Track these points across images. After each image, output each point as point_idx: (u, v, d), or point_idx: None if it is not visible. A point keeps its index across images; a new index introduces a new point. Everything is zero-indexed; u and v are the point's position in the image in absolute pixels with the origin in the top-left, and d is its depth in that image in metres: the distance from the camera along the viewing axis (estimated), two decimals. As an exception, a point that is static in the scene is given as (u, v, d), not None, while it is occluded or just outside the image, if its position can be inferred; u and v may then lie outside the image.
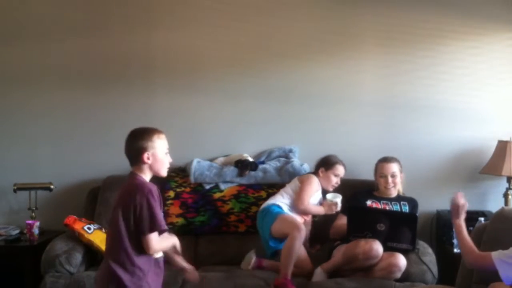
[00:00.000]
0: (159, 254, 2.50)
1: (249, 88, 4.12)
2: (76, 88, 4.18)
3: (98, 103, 4.17)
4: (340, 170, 3.69)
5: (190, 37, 4.12)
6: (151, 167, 2.47)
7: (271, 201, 3.64)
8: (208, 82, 4.13)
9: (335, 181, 3.68)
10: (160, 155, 2.48)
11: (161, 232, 2.42)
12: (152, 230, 2.37)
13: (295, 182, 3.68)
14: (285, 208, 3.57)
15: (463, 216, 2.84)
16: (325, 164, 3.70)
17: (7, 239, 3.83)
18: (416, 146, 4.05)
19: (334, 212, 3.59)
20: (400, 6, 4.03)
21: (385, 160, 3.71)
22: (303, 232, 3.37)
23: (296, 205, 3.58)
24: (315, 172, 3.73)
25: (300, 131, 4.12)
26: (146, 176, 2.49)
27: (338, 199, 3.57)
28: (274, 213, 3.53)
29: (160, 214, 2.39)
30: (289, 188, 3.68)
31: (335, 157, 3.75)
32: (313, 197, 3.63)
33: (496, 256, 2.60)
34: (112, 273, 2.38)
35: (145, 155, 2.44)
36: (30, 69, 4.19)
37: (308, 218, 3.66)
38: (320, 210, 3.61)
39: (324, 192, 3.70)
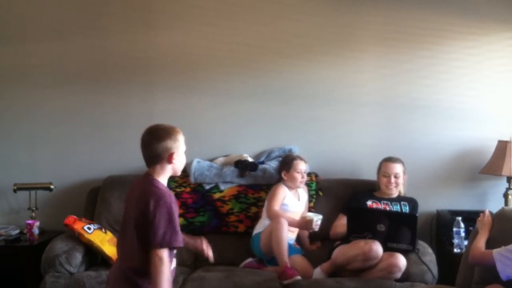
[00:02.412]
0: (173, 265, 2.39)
1: (249, 88, 4.12)
2: (76, 88, 4.18)
3: (98, 103, 4.17)
4: (300, 165, 3.67)
5: (190, 37, 4.12)
6: (173, 168, 2.37)
7: (256, 230, 3.67)
8: (208, 82, 4.13)
9: (300, 177, 3.66)
10: (182, 155, 2.40)
11: (174, 248, 2.28)
12: (162, 246, 2.21)
13: (265, 205, 3.70)
14: None
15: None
16: (284, 165, 3.71)
17: (7, 239, 3.83)
18: (416, 146, 4.05)
19: (310, 230, 3.54)
20: (400, 6, 4.03)
21: (390, 159, 3.72)
22: (283, 221, 3.41)
23: (268, 217, 3.59)
24: (280, 178, 3.72)
25: (300, 131, 4.12)
26: (165, 178, 2.37)
27: (316, 217, 3.48)
28: (259, 234, 3.59)
29: (177, 228, 2.25)
30: (264, 212, 3.69)
31: (291, 155, 3.78)
32: (283, 202, 3.62)
33: (497, 251, 2.67)
34: (130, 279, 2.28)
35: (174, 156, 2.33)
36: (30, 69, 4.19)
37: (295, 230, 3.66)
38: (292, 222, 3.52)
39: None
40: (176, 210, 2.29)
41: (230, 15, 4.10)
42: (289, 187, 3.69)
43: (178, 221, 2.28)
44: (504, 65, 4.03)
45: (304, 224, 3.52)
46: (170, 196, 2.31)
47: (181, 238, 2.27)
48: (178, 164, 2.38)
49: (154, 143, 2.33)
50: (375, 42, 4.08)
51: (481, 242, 2.87)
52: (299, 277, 3.26)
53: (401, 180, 3.71)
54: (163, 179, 2.37)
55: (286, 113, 4.12)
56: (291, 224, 3.54)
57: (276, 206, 3.59)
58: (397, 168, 3.69)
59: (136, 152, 2.41)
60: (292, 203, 3.66)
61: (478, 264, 2.85)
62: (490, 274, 2.79)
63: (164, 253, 2.22)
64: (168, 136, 2.34)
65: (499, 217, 3.01)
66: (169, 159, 2.34)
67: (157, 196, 2.27)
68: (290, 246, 3.51)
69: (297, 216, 3.63)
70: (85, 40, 4.15)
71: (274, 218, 3.51)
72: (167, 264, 2.22)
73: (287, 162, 3.71)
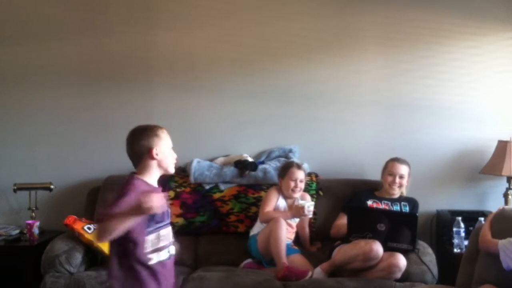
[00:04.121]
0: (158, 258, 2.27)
1: (249, 88, 4.12)
2: (76, 88, 4.18)
3: (98, 103, 4.17)
4: (295, 173, 3.62)
5: (190, 37, 4.12)
6: (160, 164, 2.31)
7: (252, 232, 3.67)
8: (208, 82, 4.13)
9: (293, 185, 3.62)
10: (167, 150, 2.34)
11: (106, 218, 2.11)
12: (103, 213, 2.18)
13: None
14: None
15: None
16: (280, 172, 3.70)
17: (7, 239, 3.83)
18: (416, 146, 4.05)
19: (303, 216, 3.56)
20: (400, 6, 4.03)
21: (397, 160, 3.73)
22: (281, 222, 3.41)
23: (261, 220, 3.59)
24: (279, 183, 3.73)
25: (300, 131, 4.12)
26: (152, 176, 2.32)
27: (308, 203, 3.50)
28: (255, 236, 3.60)
29: (122, 203, 2.12)
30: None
31: (290, 163, 3.73)
32: (275, 205, 3.63)
33: (501, 242, 2.73)
34: None
35: (154, 151, 2.28)
36: (30, 68, 4.18)
37: (292, 229, 3.66)
38: (285, 215, 3.56)
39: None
40: (129, 201, 2.14)
41: (230, 15, 4.10)
42: (285, 196, 3.68)
43: (125, 199, 2.15)
44: (504, 65, 4.03)
45: (296, 212, 3.52)
46: (140, 187, 2.23)
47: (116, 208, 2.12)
48: (164, 160, 2.32)
49: (134, 142, 2.32)
50: (375, 42, 4.08)
51: (486, 230, 2.91)
52: (310, 273, 3.28)
53: (405, 182, 3.71)
54: (149, 178, 2.31)
55: (286, 113, 4.12)
56: (285, 217, 3.53)
57: (267, 209, 3.58)
58: (403, 169, 3.70)
59: (136, 152, 2.41)
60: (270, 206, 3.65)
61: (485, 250, 2.88)
62: (490, 275, 2.79)
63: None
64: (146, 133, 2.31)
65: (499, 217, 3.01)
66: (150, 154, 2.28)
67: (120, 187, 2.25)
68: (287, 247, 3.51)
69: (290, 226, 3.65)
70: (85, 40, 4.15)
71: (267, 219, 3.52)
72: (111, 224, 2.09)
73: (282, 169, 3.69)
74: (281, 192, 3.67)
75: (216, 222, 3.85)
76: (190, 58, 4.13)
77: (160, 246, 2.27)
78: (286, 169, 3.66)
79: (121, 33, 4.14)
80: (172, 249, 2.35)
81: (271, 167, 3.91)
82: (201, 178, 3.89)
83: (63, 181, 4.14)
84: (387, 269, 3.23)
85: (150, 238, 2.24)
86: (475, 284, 2.91)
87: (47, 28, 4.17)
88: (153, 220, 2.24)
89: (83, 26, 4.15)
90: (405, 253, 3.30)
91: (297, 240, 3.75)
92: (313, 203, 3.56)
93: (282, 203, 3.66)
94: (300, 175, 3.64)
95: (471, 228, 3.37)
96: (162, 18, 4.13)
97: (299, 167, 3.66)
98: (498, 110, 4.04)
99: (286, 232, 3.49)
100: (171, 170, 2.39)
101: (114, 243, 2.21)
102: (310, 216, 3.54)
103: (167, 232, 2.32)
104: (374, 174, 3.84)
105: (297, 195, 3.66)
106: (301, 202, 3.56)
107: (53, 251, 3.41)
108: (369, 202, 3.68)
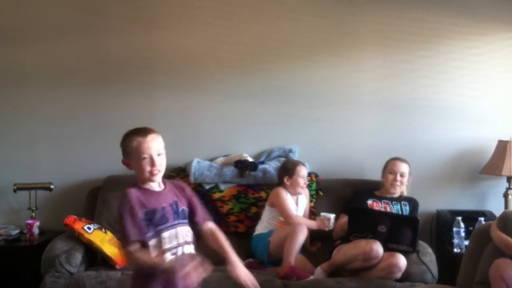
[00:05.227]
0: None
1: (249, 88, 4.12)
2: (76, 88, 4.18)
3: (99, 103, 4.17)
4: (303, 170, 3.68)
5: (190, 37, 4.12)
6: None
7: (259, 231, 3.67)
8: (208, 82, 4.14)
9: (302, 182, 3.67)
10: (137, 161, 2.49)
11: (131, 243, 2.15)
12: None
13: (266, 208, 3.71)
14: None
15: None
16: (287, 171, 3.70)
17: (7, 239, 3.83)
18: (416, 146, 4.05)
19: (326, 229, 3.59)
20: (400, 6, 4.03)
21: (398, 158, 3.75)
22: (305, 229, 3.43)
23: (287, 223, 3.58)
24: (281, 183, 3.72)
25: (300, 131, 4.13)
26: (139, 181, 2.42)
27: (331, 215, 3.59)
28: (267, 233, 3.60)
29: (129, 224, 2.15)
30: (265, 216, 3.70)
31: (292, 161, 3.78)
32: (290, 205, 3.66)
33: None
34: None
35: (125, 163, 2.56)
36: (30, 69, 4.19)
37: None
38: (312, 224, 3.62)
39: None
40: (127, 207, 2.20)
41: (230, 15, 4.11)
42: (290, 193, 3.69)
43: (128, 218, 2.17)
44: (504, 65, 4.03)
45: (321, 222, 3.60)
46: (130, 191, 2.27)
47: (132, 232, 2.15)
48: (135, 170, 2.38)
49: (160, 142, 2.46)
50: (375, 42, 4.08)
51: (500, 234, 2.89)
52: (311, 277, 3.29)
53: (405, 181, 3.72)
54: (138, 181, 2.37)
55: (286, 113, 4.12)
56: (312, 225, 3.60)
57: (292, 210, 3.62)
58: (404, 167, 3.71)
59: (136, 152, 2.41)
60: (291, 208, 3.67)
61: (499, 247, 2.84)
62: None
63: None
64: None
65: (502, 221, 2.98)
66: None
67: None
68: None
69: None
70: (85, 40, 4.15)
71: (295, 222, 3.51)
72: (132, 258, 2.17)
73: (289, 167, 3.70)
74: (287, 190, 3.69)
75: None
76: (190, 58, 4.13)
77: (165, 249, 2.22)
78: (293, 167, 3.69)
79: (121, 33, 4.14)
80: (186, 249, 2.31)
81: (271, 167, 3.91)
82: (201, 178, 3.89)
83: (63, 181, 4.14)
84: (387, 269, 3.23)
85: (151, 242, 2.21)
86: (476, 284, 2.90)
87: (48, 28, 4.17)
88: (151, 224, 2.21)
89: (83, 26, 4.15)
90: (405, 254, 3.30)
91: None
92: (334, 215, 3.61)
93: (291, 202, 3.67)
94: (306, 171, 3.72)
95: (471, 228, 3.37)
96: (162, 18, 4.13)
97: (302, 164, 3.73)
98: (498, 110, 4.04)
99: None
100: (144, 177, 2.40)
101: None
102: (332, 227, 3.60)
103: (171, 234, 2.26)
104: (374, 174, 3.84)
105: (303, 191, 3.74)
106: (323, 214, 3.62)
107: (53, 251, 3.41)
108: (369, 202, 3.68)
